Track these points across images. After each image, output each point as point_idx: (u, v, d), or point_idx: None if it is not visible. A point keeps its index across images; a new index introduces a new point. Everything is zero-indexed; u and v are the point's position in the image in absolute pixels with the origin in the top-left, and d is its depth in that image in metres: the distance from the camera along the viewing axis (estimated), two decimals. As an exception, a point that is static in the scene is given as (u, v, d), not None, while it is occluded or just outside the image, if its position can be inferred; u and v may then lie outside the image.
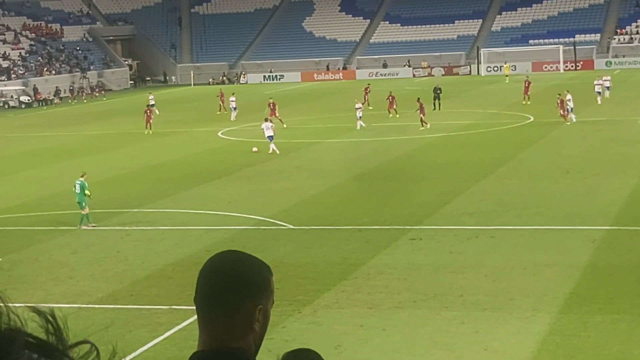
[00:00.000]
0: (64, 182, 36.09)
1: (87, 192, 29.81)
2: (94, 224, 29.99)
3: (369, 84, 67.59)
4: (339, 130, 51.86)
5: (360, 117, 51.40)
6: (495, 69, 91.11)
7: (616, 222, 26.87)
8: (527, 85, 59.83)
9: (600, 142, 42.39)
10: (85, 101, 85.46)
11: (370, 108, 59.30)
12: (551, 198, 30.68)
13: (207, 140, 51.25)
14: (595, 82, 58.93)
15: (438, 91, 59.13)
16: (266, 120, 45.40)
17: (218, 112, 64.07)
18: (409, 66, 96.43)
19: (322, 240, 26.53)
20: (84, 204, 29.87)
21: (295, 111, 62.86)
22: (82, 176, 30.51)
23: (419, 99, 51.14)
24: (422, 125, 49.74)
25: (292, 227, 28.51)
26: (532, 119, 52.25)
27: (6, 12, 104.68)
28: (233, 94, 62.56)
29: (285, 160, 42.35)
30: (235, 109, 60.10)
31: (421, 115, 50.08)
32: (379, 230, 27.37)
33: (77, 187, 29.93)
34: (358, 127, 51.33)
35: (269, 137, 43.91)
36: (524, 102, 59.25)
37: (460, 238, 25.91)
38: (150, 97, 67.28)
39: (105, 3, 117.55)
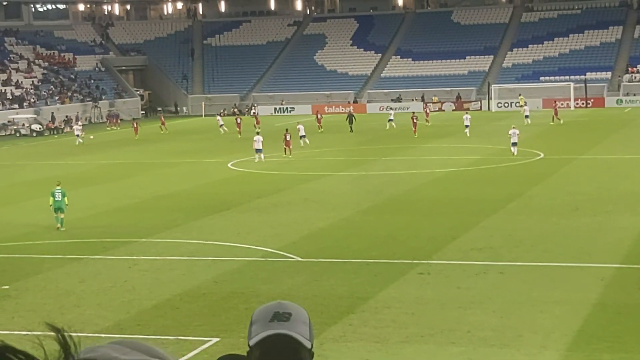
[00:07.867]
0: (73, 211, 36.12)
1: (66, 200, 34.18)
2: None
3: (238, 113, 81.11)
4: (349, 163, 51.89)
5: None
6: (506, 104, 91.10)
7: (626, 260, 26.74)
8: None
9: (610, 179, 42.31)
10: (107, 129, 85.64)
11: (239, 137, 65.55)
12: (560, 235, 30.59)
13: (217, 171, 51.32)
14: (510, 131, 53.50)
15: (352, 117, 72.82)
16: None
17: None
18: (416, 100, 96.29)
19: (330, 273, 26.46)
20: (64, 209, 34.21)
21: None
22: (58, 185, 34.83)
23: (286, 129, 56.41)
24: (285, 153, 54.95)
25: (300, 259, 28.45)
26: (542, 155, 52.21)
27: (20, 40, 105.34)
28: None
29: (295, 192, 42.37)
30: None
31: (285, 146, 55.17)
32: (387, 264, 27.29)
33: (59, 194, 34.07)
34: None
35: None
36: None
37: (468, 273, 25.82)
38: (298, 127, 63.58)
39: (119, 33, 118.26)
